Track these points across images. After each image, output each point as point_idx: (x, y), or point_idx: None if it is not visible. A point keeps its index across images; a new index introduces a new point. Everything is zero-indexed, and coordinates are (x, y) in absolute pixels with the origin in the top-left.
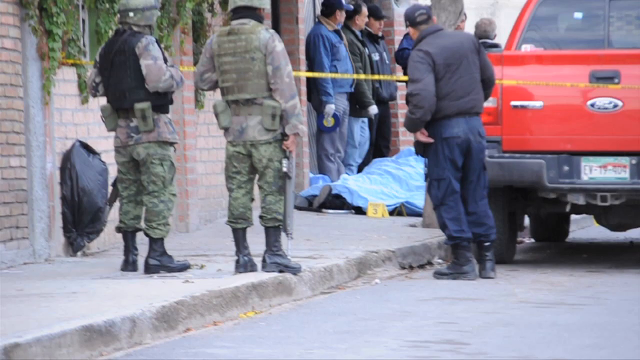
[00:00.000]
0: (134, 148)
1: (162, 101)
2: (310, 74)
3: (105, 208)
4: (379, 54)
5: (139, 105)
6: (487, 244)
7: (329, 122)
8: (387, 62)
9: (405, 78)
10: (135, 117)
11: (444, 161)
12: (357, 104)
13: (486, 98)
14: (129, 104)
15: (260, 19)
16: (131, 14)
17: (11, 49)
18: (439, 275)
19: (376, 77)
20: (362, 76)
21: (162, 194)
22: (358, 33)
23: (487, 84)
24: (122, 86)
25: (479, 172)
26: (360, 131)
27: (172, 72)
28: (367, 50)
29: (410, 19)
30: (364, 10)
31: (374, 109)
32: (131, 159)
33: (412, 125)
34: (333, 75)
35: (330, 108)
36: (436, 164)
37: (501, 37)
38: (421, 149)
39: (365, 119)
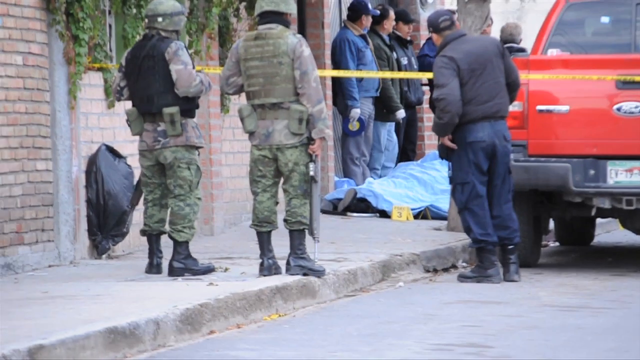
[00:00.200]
0: (160, 152)
1: (189, 106)
2: (336, 72)
3: (129, 211)
4: (407, 58)
5: (167, 110)
6: (511, 247)
7: (354, 126)
8: (415, 66)
9: (430, 75)
10: (163, 121)
11: (468, 165)
12: (384, 109)
13: (511, 101)
14: (157, 109)
15: (287, 24)
16: (160, 19)
17: (38, 54)
18: (463, 278)
19: (401, 74)
20: (388, 74)
21: (188, 198)
22: (386, 37)
23: (512, 87)
24: (150, 90)
25: (504, 175)
26: (388, 135)
27: (201, 77)
28: (395, 55)
29: (434, 25)
30: (391, 14)
31: (401, 114)
32: (157, 163)
33: (440, 130)
34: (359, 74)
35: (355, 112)
36: (460, 168)
37: (527, 41)
38: (445, 152)
39: (393, 124)
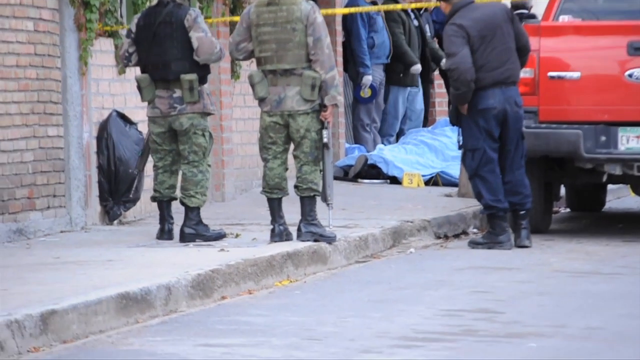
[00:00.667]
0: (176, 118)
1: (204, 72)
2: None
3: (135, 175)
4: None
5: (187, 77)
6: (522, 212)
7: (365, 93)
8: (429, 32)
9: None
10: (178, 88)
11: (479, 132)
12: (400, 70)
13: (522, 66)
14: (173, 75)
15: None
16: None
17: (49, 20)
18: (474, 244)
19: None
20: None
21: (201, 164)
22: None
23: (522, 52)
24: (167, 57)
25: (517, 141)
26: (410, 102)
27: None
28: (414, 21)
29: None
30: None
31: (416, 69)
32: (169, 129)
33: (459, 99)
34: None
35: (367, 79)
36: (471, 135)
37: (539, 7)
38: (456, 118)
39: (417, 90)
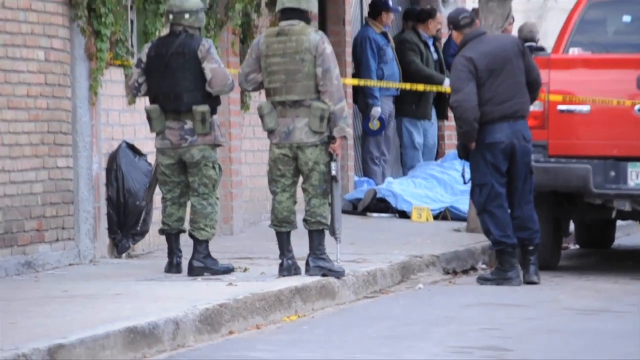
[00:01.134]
0: (187, 150)
1: (215, 104)
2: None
3: (147, 208)
4: (438, 56)
5: (199, 108)
6: (530, 248)
7: (374, 125)
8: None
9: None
10: (189, 119)
11: (486, 166)
12: (413, 104)
13: (532, 101)
14: (185, 106)
15: (308, 21)
16: (187, 16)
17: (60, 49)
18: (482, 280)
19: (421, 87)
20: (408, 85)
21: (211, 197)
22: (424, 35)
23: (533, 87)
24: (178, 88)
25: (525, 176)
26: (426, 134)
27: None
28: (434, 54)
29: (454, 22)
30: (438, 15)
31: (447, 82)
32: (178, 161)
33: (464, 138)
34: (379, 83)
35: (376, 111)
36: (478, 169)
37: (549, 40)
38: (464, 153)
39: (432, 123)
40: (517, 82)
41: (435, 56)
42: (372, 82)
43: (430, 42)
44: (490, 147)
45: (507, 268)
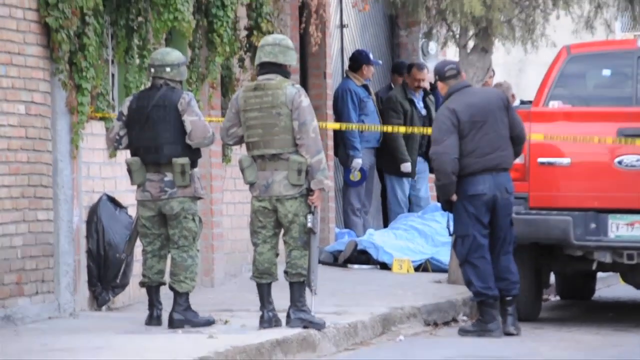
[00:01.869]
0: (166, 202)
1: (196, 156)
2: (338, 125)
3: (127, 260)
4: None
5: (179, 161)
6: (508, 298)
7: (355, 176)
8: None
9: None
10: (169, 171)
11: (468, 218)
12: (399, 164)
13: (516, 155)
14: (165, 159)
15: (286, 75)
16: (168, 69)
17: (41, 103)
18: (463, 332)
19: (402, 129)
20: (389, 128)
21: (191, 249)
22: (410, 92)
23: (516, 141)
24: (159, 140)
25: (505, 228)
26: (414, 190)
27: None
28: (420, 110)
29: (440, 74)
30: (414, 69)
31: (406, 167)
32: (158, 214)
33: (442, 192)
34: (361, 127)
35: (357, 162)
36: (461, 221)
37: (529, 93)
38: (447, 205)
39: (422, 178)
40: (500, 136)
41: (423, 112)
42: (353, 126)
43: (417, 98)
44: (473, 199)
45: (488, 320)
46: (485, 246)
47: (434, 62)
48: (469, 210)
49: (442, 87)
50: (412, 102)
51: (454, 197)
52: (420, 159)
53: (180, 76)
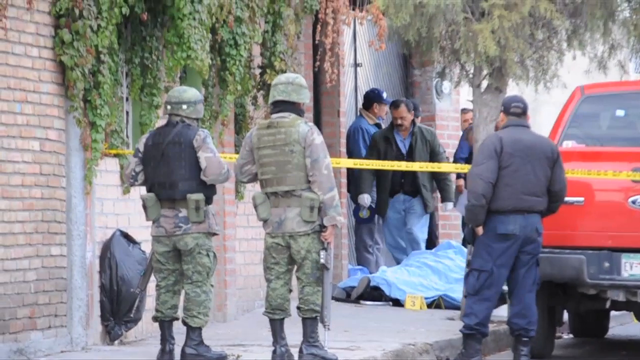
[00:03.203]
0: (181, 238)
1: (210, 192)
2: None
3: (137, 294)
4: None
5: (193, 197)
6: (525, 339)
7: (364, 214)
8: (416, 154)
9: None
10: (184, 207)
11: (489, 255)
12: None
13: (550, 212)
14: (180, 195)
15: (300, 113)
16: (184, 107)
17: (55, 140)
18: None
19: (411, 166)
20: (404, 166)
21: (205, 284)
22: (395, 129)
23: (554, 198)
24: (174, 177)
25: (529, 265)
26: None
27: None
28: (395, 147)
29: (505, 106)
30: (401, 107)
31: (362, 198)
32: (173, 249)
33: (471, 216)
34: (376, 164)
35: (362, 199)
36: (481, 255)
37: (543, 132)
38: (471, 237)
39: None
40: (539, 182)
41: (404, 150)
42: (365, 163)
43: (399, 136)
44: (501, 238)
45: (471, 354)
46: (500, 286)
47: (448, 102)
48: (492, 246)
49: (502, 119)
50: (388, 140)
51: (480, 230)
52: (407, 197)
53: (197, 114)
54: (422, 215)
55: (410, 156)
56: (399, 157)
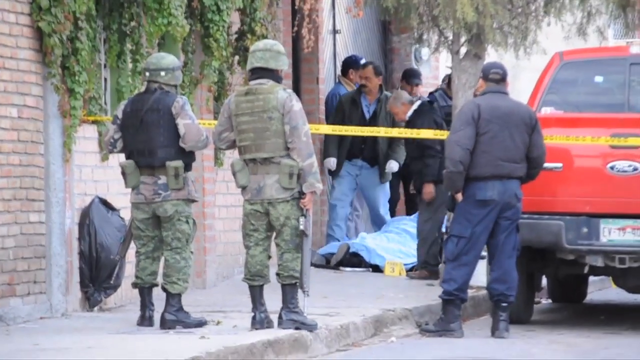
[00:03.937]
0: (160, 205)
1: (189, 159)
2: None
3: (117, 261)
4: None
5: (172, 164)
6: (504, 304)
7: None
8: (382, 119)
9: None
10: (163, 174)
11: (468, 221)
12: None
13: (529, 178)
14: (159, 162)
15: (278, 80)
16: (162, 73)
17: (33, 106)
18: (425, 332)
19: (394, 131)
20: (383, 131)
21: (184, 251)
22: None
23: (532, 164)
24: (153, 144)
25: (509, 230)
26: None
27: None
28: (360, 111)
29: (484, 72)
30: (368, 67)
31: (328, 162)
32: (152, 216)
33: (448, 181)
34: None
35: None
36: (460, 222)
37: (522, 99)
38: (452, 205)
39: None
40: (516, 148)
41: (367, 115)
42: (344, 129)
43: (365, 100)
44: (480, 204)
45: (450, 319)
46: (479, 251)
47: (427, 68)
48: (472, 212)
49: (481, 85)
50: (354, 103)
51: (459, 197)
52: (365, 164)
53: (175, 80)
54: (378, 185)
55: (373, 122)
56: (362, 122)
